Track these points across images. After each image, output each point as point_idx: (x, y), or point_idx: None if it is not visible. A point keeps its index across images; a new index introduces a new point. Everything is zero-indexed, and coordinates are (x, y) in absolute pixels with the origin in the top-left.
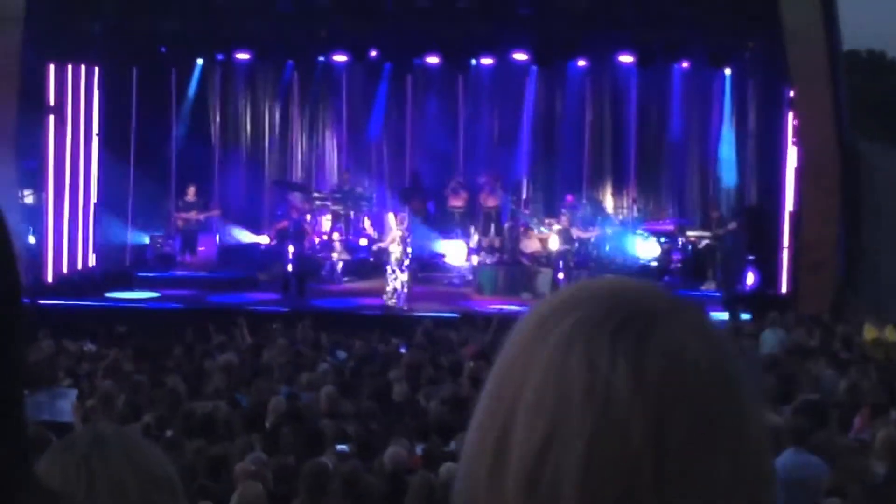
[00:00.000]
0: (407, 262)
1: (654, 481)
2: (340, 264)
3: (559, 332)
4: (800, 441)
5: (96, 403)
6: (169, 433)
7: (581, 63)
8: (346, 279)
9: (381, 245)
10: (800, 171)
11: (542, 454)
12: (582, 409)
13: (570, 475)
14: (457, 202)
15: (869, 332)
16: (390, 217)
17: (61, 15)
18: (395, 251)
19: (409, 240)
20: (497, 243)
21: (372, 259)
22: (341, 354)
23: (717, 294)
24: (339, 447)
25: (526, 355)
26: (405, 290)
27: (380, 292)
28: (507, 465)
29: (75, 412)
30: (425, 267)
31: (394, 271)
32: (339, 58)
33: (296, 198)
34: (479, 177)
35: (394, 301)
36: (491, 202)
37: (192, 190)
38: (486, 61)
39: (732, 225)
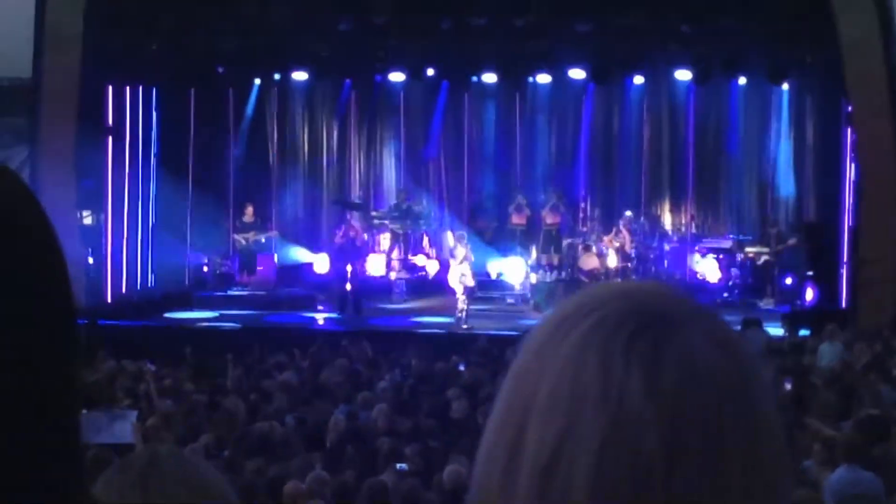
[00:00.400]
0: (469, 280)
1: (665, 487)
2: (400, 283)
3: (576, 334)
4: (853, 457)
5: (156, 423)
6: (227, 453)
7: (638, 80)
8: (405, 297)
9: (452, 264)
10: (858, 187)
11: (555, 455)
12: (595, 412)
13: (582, 477)
14: (519, 220)
15: None
16: (448, 236)
17: (119, 36)
18: (460, 270)
19: (471, 259)
20: (556, 260)
21: (431, 277)
22: (400, 373)
23: (777, 310)
24: (399, 466)
25: (543, 355)
26: (467, 307)
27: (439, 310)
28: (520, 465)
29: (136, 433)
30: (484, 285)
31: (461, 290)
32: (397, 76)
33: (354, 217)
34: (540, 194)
35: (459, 319)
36: (552, 219)
37: (249, 210)
38: (544, 79)
39: (792, 241)
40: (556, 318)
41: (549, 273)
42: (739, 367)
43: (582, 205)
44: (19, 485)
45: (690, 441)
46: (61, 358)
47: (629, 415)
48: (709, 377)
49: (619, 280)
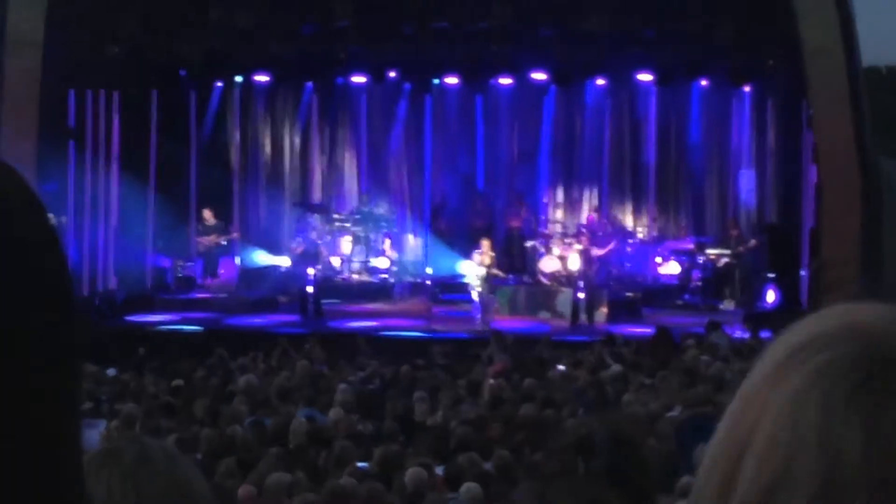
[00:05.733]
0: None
1: None
2: (366, 285)
3: (800, 376)
4: None
5: (118, 426)
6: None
7: (600, 82)
8: (365, 300)
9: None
10: (819, 189)
11: (765, 499)
12: (811, 461)
13: None
14: (478, 222)
15: None
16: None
17: (81, 40)
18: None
19: (493, 268)
20: (517, 263)
21: (392, 280)
22: (361, 375)
23: (737, 312)
24: (360, 465)
25: (765, 394)
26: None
27: (401, 313)
28: None
29: (103, 442)
30: (445, 287)
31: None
32: (358, 79)
33: (315, 219)
34: (500, 197)
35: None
36: (514, 222)
37: (208, 213)
38: (505, 81)
39: (752, 242)
40: (780, 355)
41: (509, 275)
42: None
43: (544, 208)
44: (25, 494)
45: None
46: (67, 361)
47: (842, 471)
48: None
49: (851, 305)
